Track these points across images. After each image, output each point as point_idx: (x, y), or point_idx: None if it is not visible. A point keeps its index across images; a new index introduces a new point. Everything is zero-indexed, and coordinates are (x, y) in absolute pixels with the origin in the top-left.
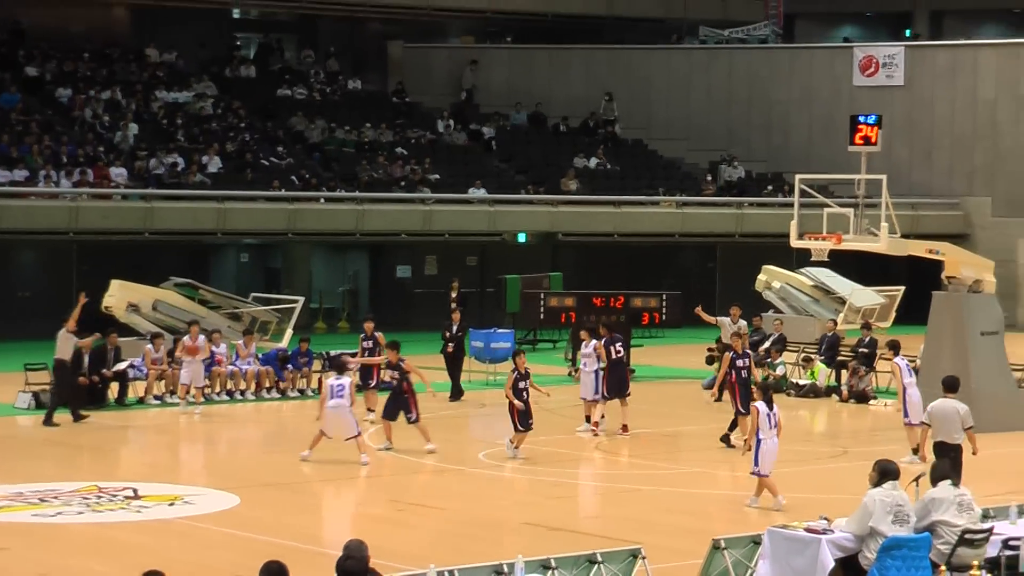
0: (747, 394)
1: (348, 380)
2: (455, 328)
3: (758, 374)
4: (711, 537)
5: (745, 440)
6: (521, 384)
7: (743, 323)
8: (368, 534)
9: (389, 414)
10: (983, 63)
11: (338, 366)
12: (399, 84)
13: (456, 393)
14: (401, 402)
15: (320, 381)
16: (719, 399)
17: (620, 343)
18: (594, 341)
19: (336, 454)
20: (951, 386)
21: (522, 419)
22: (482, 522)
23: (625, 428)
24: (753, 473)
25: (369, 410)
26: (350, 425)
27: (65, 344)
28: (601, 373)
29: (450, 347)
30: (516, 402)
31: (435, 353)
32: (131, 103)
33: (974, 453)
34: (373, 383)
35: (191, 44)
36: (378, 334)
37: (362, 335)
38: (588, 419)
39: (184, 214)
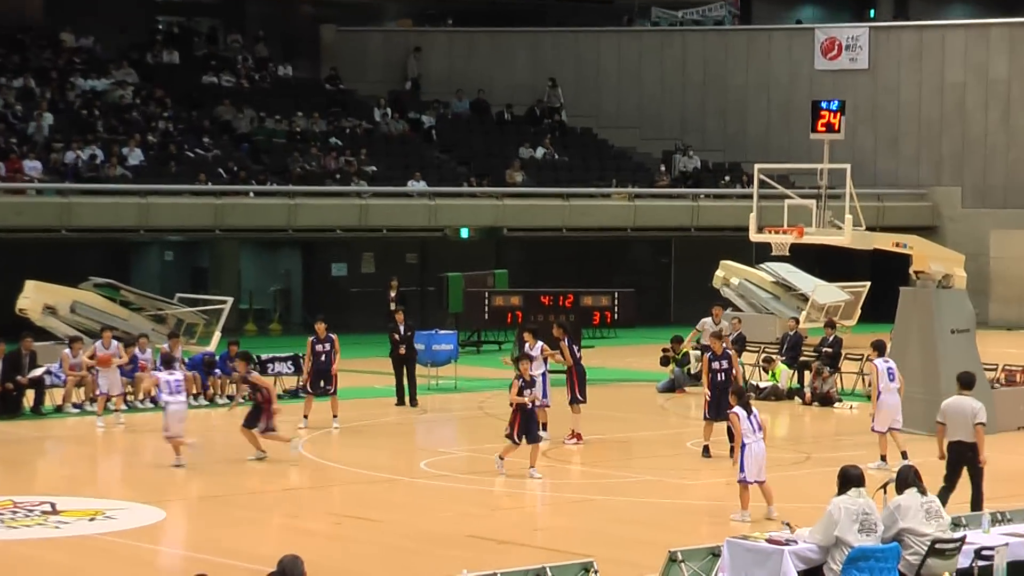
0: (718, 399)
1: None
2: (403, 329)
3: (739, 375)
4: (667, 549)
5: (732, 448)
6: (526, 392)
7: (725, 324)
8: (303, 549)
9: (249, 423)
10: (951, 45)
11: (166, 361)
12: (332, 70)
13: (412, 399)
14: (256, 412)
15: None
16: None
17: (577, 344)
18: (539, 343)
19: (267, 465)
20: (967, 383)
21: (530, 430)
22: (425, 535)
23: (579, 437)
24: (739, 481)
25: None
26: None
27: None
28: (548, 376)
29: (402, 349)
30: (522, 399)
31: (377, 356)
32: (46, 91)
33: (981, 463)
34: (332, 389)
35: (109, 28)
36: (333, 336)
37: (313, 338)
38: (543, 426)
39: (104, 210)
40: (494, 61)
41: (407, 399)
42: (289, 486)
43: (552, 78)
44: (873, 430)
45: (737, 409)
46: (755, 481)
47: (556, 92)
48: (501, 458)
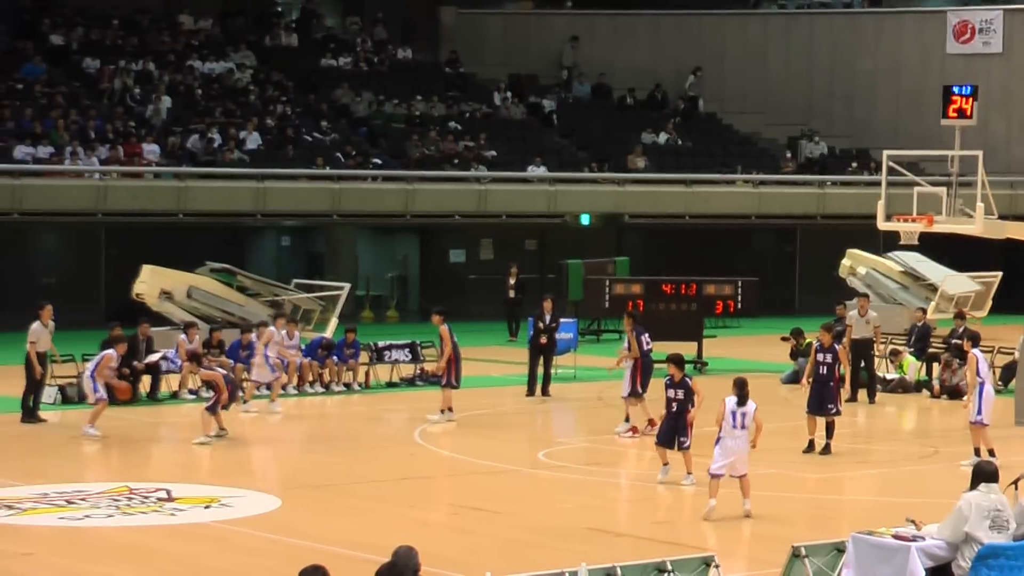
0: (820, 393)
1: None
2: (548, 318)
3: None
4: (790, 544)
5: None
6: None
7: (874, 315)
8: (420, 540)
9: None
10: None
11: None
12: (452, 53)
13: (545, 389)
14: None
15: (367, 375)
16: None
17: (648, 334)
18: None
19: (387, 452)
20: None
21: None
22: (543, 527)
23: (635, 430)
24: (709, 472)
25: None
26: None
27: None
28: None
29: (544, 339)
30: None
31: (493, 345)
32: (163, 74)
33: None
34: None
35: (227, 10)
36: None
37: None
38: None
39: (220, 194)
40: (615, 45)
41: (539, 389)
42: (406, 475)
43: (698, 66)
44: (975, 423)
45: (728, 398)
46: (722, 475)
47: (700, 81)
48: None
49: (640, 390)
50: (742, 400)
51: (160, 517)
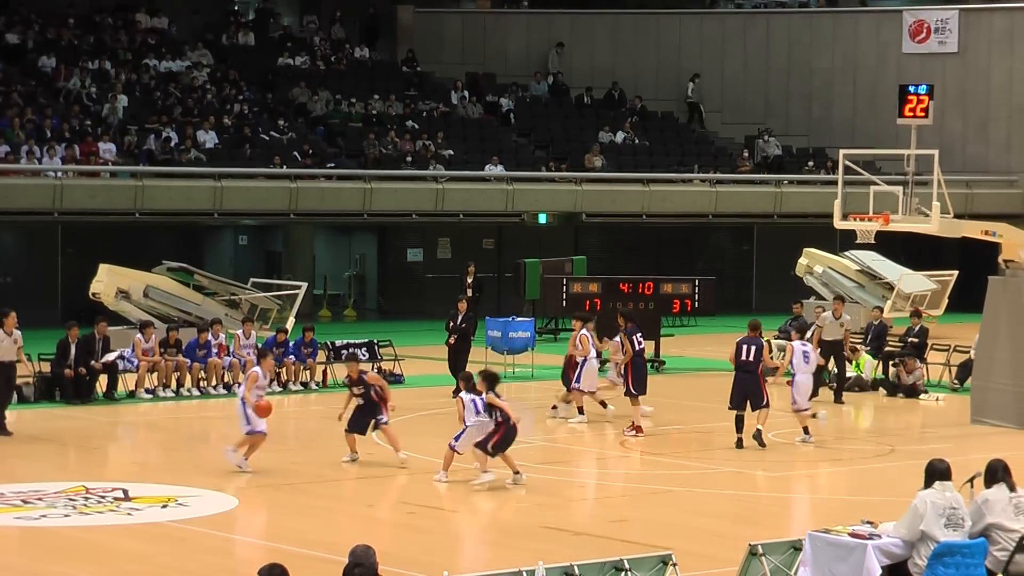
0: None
1: None
2: (460, 318)
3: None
4: (747, 542)
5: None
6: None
7: (848, 318)
8: (376, 539)
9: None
10: None
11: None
12: (409, 52)
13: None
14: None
15: (324, 374)
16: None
17: (640, 333)
18: (584, 330)
19: (344, 451)
20: None
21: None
22: (500, 526)
23: (638, 429)
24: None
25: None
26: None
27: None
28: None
29: (452, 339)
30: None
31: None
32: (120, 73)
33: None
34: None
35: (184, 9)
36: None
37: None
38: (580, 410)
39: (177, 193)
40: (573, 44)
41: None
42: (362, 475)
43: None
44: (795, 409)
45: (463, 394)
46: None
47: (699, 87)
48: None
49: (633, 390)
50: (481, 390)
51: (117, 517)
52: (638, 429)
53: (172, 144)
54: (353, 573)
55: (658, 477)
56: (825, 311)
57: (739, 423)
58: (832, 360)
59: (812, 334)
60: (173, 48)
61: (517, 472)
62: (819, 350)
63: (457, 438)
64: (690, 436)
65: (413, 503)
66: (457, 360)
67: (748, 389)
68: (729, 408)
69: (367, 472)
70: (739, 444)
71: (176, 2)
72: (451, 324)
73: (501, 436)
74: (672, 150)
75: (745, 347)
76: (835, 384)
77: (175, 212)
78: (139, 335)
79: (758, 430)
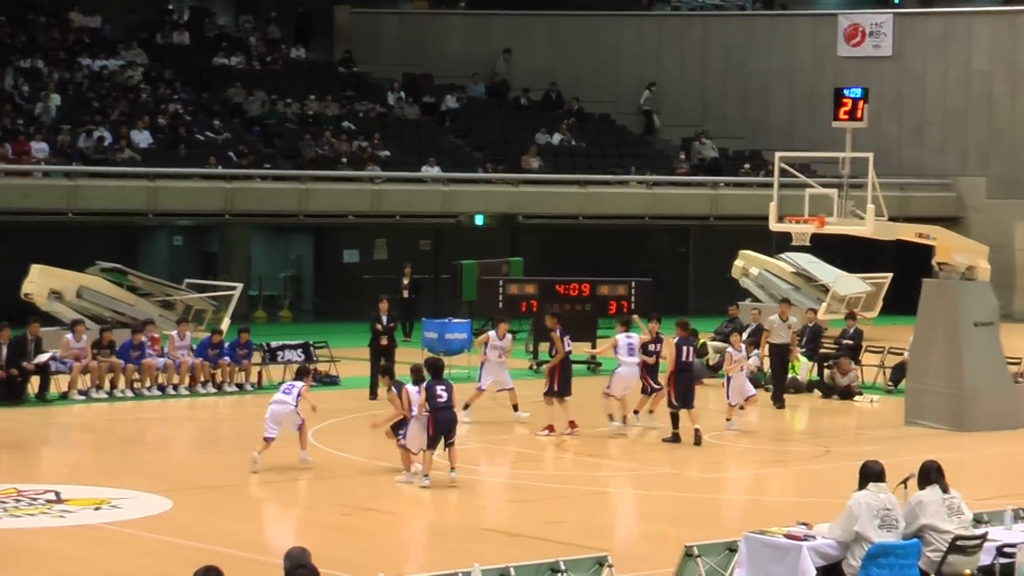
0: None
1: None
2: (386, 319)
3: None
4: (683, 543)
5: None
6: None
7: (794, 319)
8: (312, 541)
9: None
10: (977, 32)
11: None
12: (346, 53)
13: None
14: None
15: (260, 375)
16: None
17: (568, 336)
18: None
19: (280, 453)
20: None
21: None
22: (436, 528)
23: (551, 428)
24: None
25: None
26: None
27: None
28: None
29: (384, 340)
30: None
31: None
32: (53, 72)
33: None
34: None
35: (118, 8)
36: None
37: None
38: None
39: (111, 193)
40: (512, 44)
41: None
42: (299, 476)
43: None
44: (606, 394)
45: (409, 387)
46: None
47: (653, 96)
48: None
49: (557, 389)
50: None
51: (49, 519)
52: (551, 428)
53: (106, 144)
54: (296, 574)
55: (594, 479)
56: (770, 315)
57: (675, 420)
58: (767, 362)
59: (761, 337)
60: (107, 47)
61: (427, 475)
62: (767, 356)
63: (404, 435)
64: (627, 438)
65: (349, 505)
66: (388, 360)
67: (688, 387)
68: (671, 405)
69: (303, 474)
70: (676, 438)
71: (110, 1)
72: (379, 327)
73: (432, 428)
74: (609, 152)
75: (684, 348)
76: (772, 387)
77: (109, 212)
78: (69, 334)
79: (696, 430)
